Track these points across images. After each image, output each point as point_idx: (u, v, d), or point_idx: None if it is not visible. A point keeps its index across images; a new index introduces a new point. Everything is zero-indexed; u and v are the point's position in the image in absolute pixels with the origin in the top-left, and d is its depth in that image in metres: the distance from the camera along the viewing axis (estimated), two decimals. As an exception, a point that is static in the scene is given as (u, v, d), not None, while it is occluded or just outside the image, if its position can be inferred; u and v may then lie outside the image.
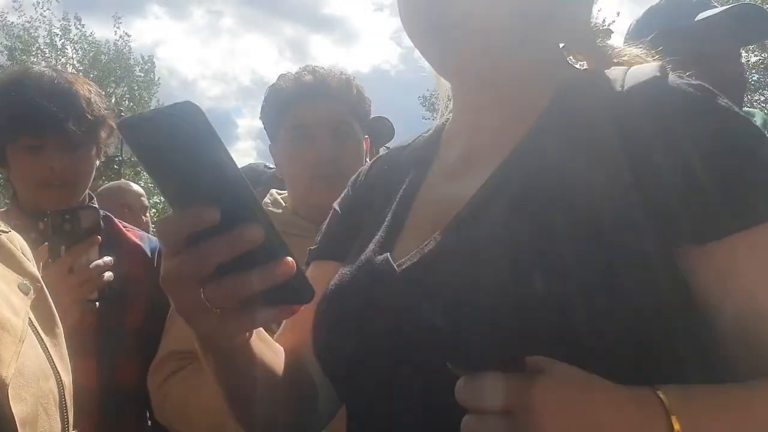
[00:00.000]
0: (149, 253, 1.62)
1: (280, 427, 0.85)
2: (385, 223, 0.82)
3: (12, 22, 21.93)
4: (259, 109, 1.68)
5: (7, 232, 0.93)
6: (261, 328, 0.78)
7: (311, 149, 1.56)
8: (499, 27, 0.74)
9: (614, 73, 0.75)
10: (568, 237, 0.65)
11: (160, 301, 1.59)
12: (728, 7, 1.68)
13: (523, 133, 0.76)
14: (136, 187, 3.19)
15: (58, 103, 1.42)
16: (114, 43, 22.81)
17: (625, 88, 0.71)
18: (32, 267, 0.92)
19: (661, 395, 0.57)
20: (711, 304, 0.64)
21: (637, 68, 0.75)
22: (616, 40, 0.85)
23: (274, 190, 1.76)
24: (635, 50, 0.83)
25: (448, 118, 0.92)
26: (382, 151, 2.52)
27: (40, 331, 0.86)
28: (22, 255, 0.92)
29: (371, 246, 0.81)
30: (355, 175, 0.99)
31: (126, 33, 23.34)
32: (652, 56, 0.81)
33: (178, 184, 0.60)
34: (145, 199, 3.12)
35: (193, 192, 0.59)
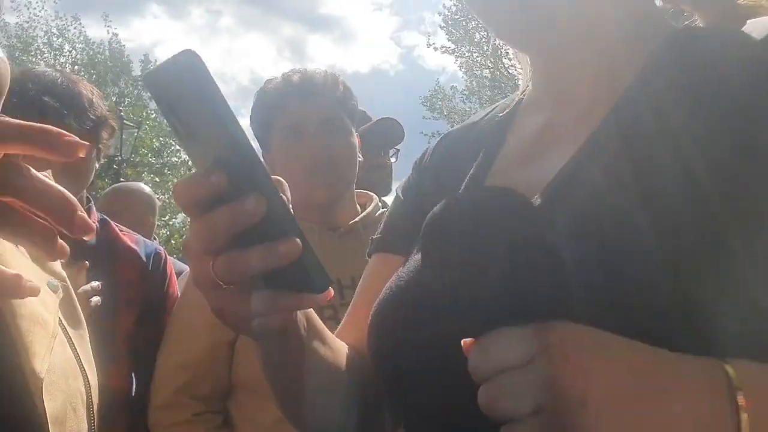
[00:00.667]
0: (144, 258, 1.61)
1: (329, 425, 0.79)
2: None
3: (8, 23, 21.98)
4: (258, 110, 1.68)
5: None
6: (319, 322, 0.74)
7: (304, 145, 1.56)
8: None
9: (725, 32, 0.66)
10: (673, 214, 0.56)
11: (151, 307, 1.61)
12: None
13: (614, 101, 0.68)
14: (140, 187, 3.16)
15: (60, 99, 1.42)
16: (107, 42, 22.89)
17: (739, 46, 0.63)
18: (58, 266, 0.91)
19: (728, 367, 0.50)
20: None
21: (756, 21, 0.65)
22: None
23: None
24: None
25: (524, 94, 0.83)
26: (392, 153, 2.49)
27: (68, 330, 0.86)
28: None
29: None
30: (419, 157, 0.91)
31: (114, 33, 23.39)
32: None
33: (192, 143, 0.58)
34: (151, 200, 3.09)
35: (205, 152, 0.57)
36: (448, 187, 0.79)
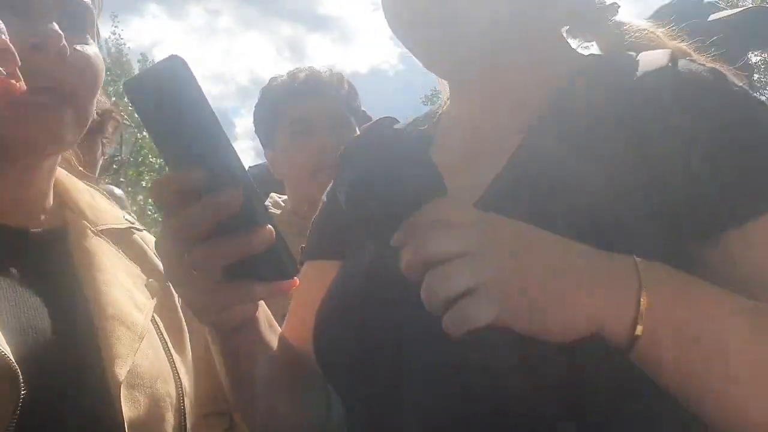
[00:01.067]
0: None
1: (280, 419, 0.82)
2: None
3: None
4: (258, 110, 1.66)
5: (141, 231, 0.94)
6: (272, 319, 0.78)
7: (312, 142, 1.57)
8: (492, 19, 0.70)
9: (623, 60, 0.73)
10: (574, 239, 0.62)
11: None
12: (742, 9, 1.70)
13: (526, 132, 0.73)
14: (110, 190, 3.16)
15: None
16: (107, 41, 22.84)
17: (636, 76, 0.69)
18: (161, 270, 0.89)
19: (639, 264, 0.57)
20: None
21: (647, 55, 0.72)
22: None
23: (274, 194, 1.76)
24: (644, 23, 0.80)
25: (444, 108, 0.88)
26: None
27: (164, 333, 0.86)
28: (153, 255, 0.92)
29: (374, 242, 0.76)
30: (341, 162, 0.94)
31: (119, 33, 23.35)
32: (668, 35, 0.78)
33: (171, 145, 0.60)
34: (121, 202, 3.07)
35: (183, 153, 0.60)
36: None
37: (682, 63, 0.69)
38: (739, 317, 0.58)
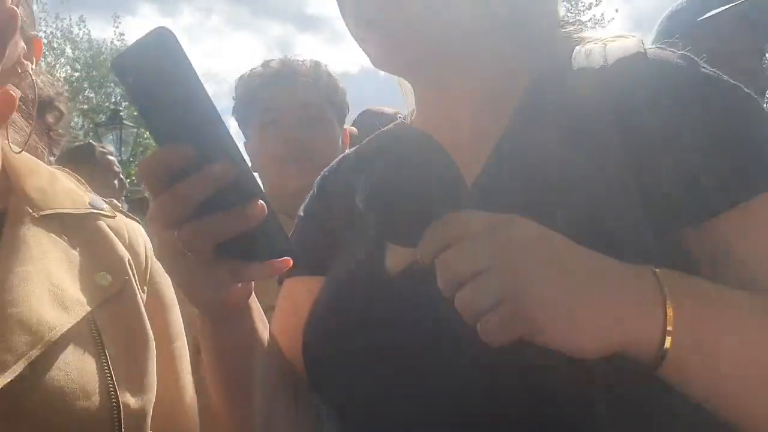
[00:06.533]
0: None
1: (274, 420, 0.76)
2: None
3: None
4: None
5: (113, 217, 0.86)
6: (263, 315, 0.75)
7: (278, 132, 1.53)
8: (451, 19, 0.70)
9: (593, 53, 0.71)
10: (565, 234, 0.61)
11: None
12: (734, 4, 1.62)
13: (500, 130, 0.72)
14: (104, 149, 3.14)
15: None
16: (111, 42, 22.81)
17: (608, 65, 0.68)
18: (125, 263, 0.81)
19: (659, 274, 0.56)
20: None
21: (616, 44, 0.71)
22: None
23: None
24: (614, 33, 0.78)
25: (410, 118, 0.85)
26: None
27: (104, 339, 0.74)
28: (122, 247, 0.83)
29: (360, 254, 0.75)
30: (319, 178, 0.91)
31: (121, 33, 23.29)
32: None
33: (158, 121, 0.59)
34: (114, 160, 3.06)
35: (170, 128, 0.58)
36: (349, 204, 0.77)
37: (652, 50, 0.69)
38: (760, 316, 0.57)
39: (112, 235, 0.83)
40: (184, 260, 0.61)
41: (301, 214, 0.89)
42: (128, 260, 0.83)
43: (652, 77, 0.66)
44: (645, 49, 0.68)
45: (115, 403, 0.72)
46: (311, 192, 0.90)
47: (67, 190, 0.84)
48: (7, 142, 0.80)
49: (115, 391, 0.72)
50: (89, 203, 0.84)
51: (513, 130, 0.71)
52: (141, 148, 16.84)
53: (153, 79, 0.56)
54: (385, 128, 0.87)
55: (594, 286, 0.54)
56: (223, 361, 0.73)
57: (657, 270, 0.56)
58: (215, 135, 0.58)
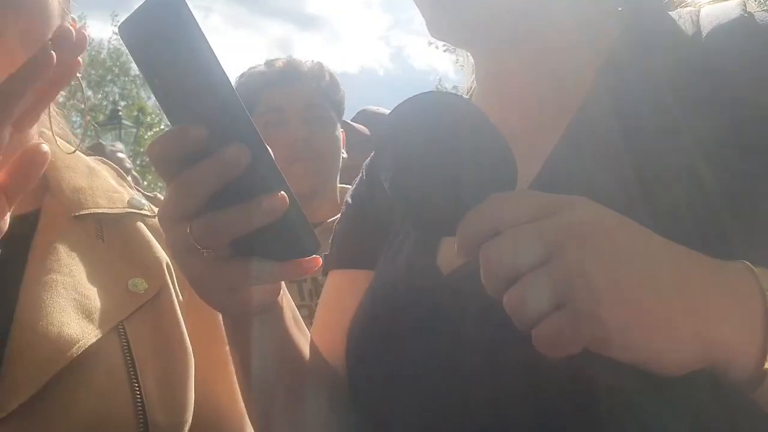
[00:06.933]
0: None
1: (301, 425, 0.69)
2: None
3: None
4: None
5: (153, 216, 0.79)
6: (298, 315, 0.67)
7: (284, 132, 1.52)
8: None
9: (682, 17, 0.62)
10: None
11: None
12: None
13: (576, 105, 0.63)
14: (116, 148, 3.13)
15: None
16: (109, 41, 22.79)
17: (704, 34, 0.59)
18: (162, 267, 0.75)
19: (758, 272, 0.45)
20: None
21: (712, 8, 0.61)
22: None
23: None
24: None
25: (470, 93, 0.77)
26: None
27: (135, 351, 0.68)
28: (161, 248, 0.77)
29: (407, 247, 0.68)
30: (367, 159, 0.83)
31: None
32: None
33: (168, 95, 0.52)
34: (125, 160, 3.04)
35: (181, 104, 0.52)
36: None
37: (759, 14, 0.58)
38: None
39: (149, 236, 0.77)
40: (197, 258, 0.54)
41: (349, 200, 0.82)
42: (167, 263, 0.77)
43: (759, 48, 0.56)
44: (750, 12, 0.58)
45: (143, 423, 0.66)
46: (360, 176, 0.82)
47: (105, 187, 0.80)
48: (54, 140, 0.76)
49: (144, 411, 0.66)
50: (128, 201, 0.79)
51: (582, 118, 0.62)
52: (141, 148, 16.84)
53: (162, 49, 0.49)
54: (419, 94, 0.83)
55: (684, 286, 0.44)
56: (245, 366, 0.65)
57: (755, 268, 0.46)
58: (229, 111, 0.50)
